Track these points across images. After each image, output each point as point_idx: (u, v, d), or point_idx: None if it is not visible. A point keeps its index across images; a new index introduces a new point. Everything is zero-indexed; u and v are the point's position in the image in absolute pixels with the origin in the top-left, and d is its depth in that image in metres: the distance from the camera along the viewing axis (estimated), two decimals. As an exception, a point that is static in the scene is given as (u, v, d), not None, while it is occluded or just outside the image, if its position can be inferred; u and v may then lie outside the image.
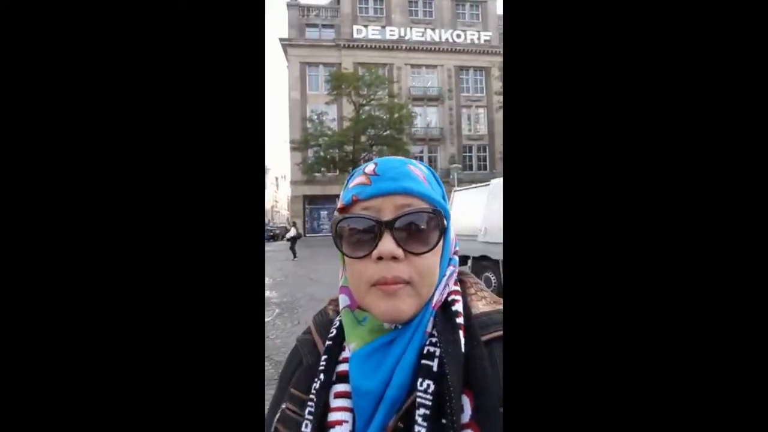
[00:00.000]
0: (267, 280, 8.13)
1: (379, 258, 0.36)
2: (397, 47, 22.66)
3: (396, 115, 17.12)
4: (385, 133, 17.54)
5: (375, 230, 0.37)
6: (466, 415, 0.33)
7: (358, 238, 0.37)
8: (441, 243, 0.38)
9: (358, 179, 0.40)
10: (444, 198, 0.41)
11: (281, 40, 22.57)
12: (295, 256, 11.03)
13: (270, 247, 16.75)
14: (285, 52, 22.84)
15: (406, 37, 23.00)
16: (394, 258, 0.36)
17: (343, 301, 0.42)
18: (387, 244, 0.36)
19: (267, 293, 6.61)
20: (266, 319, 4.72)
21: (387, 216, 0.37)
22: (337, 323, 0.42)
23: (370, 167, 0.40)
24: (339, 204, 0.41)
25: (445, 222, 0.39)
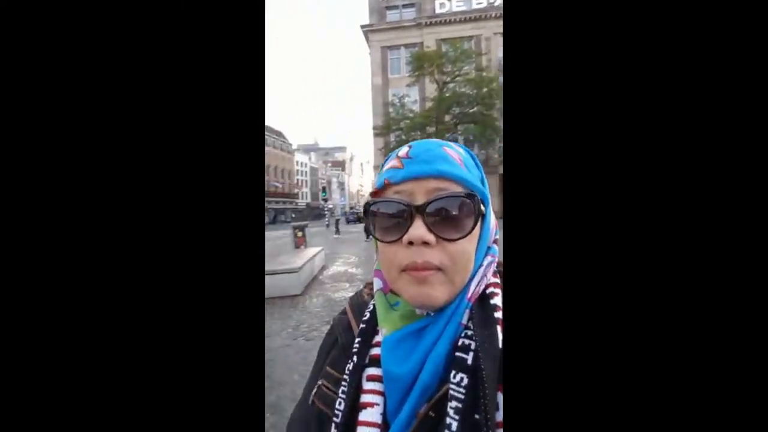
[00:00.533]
0: (353, 258, 8.53)
1: (410, 243, 0.35)
2: (486, 16, 20.77)
3: (485, 90, 15.86)
4: (472, 110, 16.48)
5: (406, 215, 0.36)
6: (501, 413, 0.31)
7: (390, 222, 0.37)
8: (477, 229, 0.37)
9: (392, 163, 0.39)
10: (483, 182, 0.39)
11: (362, 26, 22.94)
12: (367, 237, 11.57)
13: (355, 228, 17.74)
14: (366, 38, 23.19)
15: (496, 3, 20.88)
16: (426, 243, 0.35)
17: (377, 284, 0.42)
18: (418, 229, 0.35)
19: (353, 270, 6.94)
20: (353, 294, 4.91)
21: (419, 200, 0.36)
22: (371, 306, 0.42)
23: (404, 150, 0.39)
24: (373, 189, 0.40)
25: (483, 207, 0.37)
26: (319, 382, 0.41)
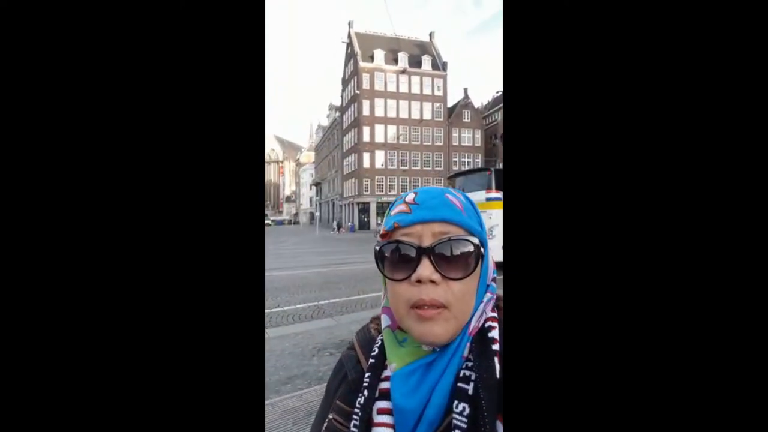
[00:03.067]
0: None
1: (418, 281, 0.38)
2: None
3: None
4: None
5: (415, 255, 0.39)
6: None
7: (399, 262, 0.40)
8: (479, 269, 0.41)
9: (399, 208, 0.42)
10: (481, 226, 0.43)
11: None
12: None
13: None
14: None
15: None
16: (432, 282, 0.38)
17: (385, 321, 0.45)
18: (425, 268, 0.38)
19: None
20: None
21: (426, 242, 0.39)
22: (379, 342, 0.45)
23: (410, 196, 0.43)
24: (381, 230, 0.43)
25: (482, 249, 0.41)
26: (330, 416, 0.43)
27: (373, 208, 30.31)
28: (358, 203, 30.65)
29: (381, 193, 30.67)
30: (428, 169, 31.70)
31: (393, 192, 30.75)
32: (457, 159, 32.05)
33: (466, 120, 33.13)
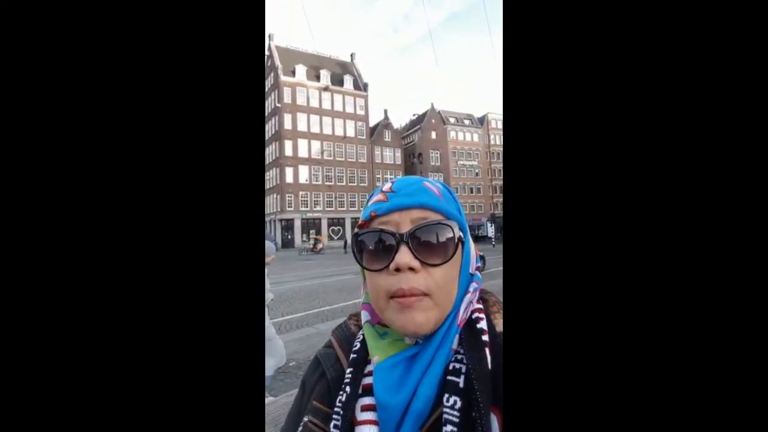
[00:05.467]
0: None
1: (397, 269, 0.37)
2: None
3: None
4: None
5: (392, 243, 0.38)
6: None
7: (378, 251, 0.39)
8: (459, 255, 0.40)
9: (376, 197, 0.42)
10: (460, 212, 0.43)
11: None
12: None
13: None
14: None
15: None
16: (412, 269, 0.37)
17: (365, 316, 0.44)
18: (404, 255, 0.37)
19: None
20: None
21: (403, 229, 0.38)
22: (361, 337, 0.44)
23: (387, 186, 0.42)
24: (359, 222, 0.43)
25: (462, 235, 0.40)
26: (306, 419, 0.40)
27: (297, 224, 29.42)
28: (281, 220, 29.42)
29: (306, 209, 30.01)
30: (353, 184, 32.27)
31: (318, 208, 30.38)
32: (380, 176, 33.43)
33: (387, 139, 34.94)
